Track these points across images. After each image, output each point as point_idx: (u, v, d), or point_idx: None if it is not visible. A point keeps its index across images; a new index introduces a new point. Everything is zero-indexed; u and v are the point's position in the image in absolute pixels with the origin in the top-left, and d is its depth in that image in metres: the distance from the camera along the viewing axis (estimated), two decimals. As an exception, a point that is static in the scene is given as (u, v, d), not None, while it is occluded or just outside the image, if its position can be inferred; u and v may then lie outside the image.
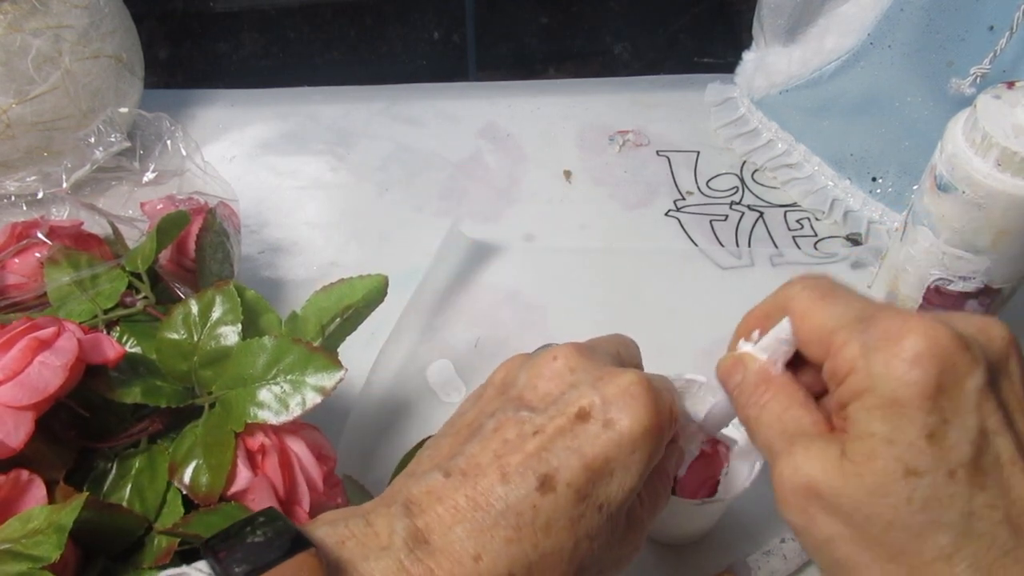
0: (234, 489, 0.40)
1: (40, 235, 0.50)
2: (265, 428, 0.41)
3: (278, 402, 0.40)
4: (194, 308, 0.44)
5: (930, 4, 0.58)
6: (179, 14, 0.86)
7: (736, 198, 0.69)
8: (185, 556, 0.38)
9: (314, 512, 0.41)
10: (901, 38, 0.60)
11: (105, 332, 0.45)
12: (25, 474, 0.37)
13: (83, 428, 0.41)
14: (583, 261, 0.64)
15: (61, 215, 0.59)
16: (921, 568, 0.28)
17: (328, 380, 0.40)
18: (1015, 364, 0.30)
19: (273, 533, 0.29)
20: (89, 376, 0.39)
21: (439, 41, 0.90)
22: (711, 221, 0.67)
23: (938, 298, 0.53)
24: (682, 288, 0.63)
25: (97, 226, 0.54)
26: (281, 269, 0.64)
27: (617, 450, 0.32)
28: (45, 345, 0.38)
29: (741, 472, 0.46)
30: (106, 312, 0.46)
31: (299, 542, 0.29)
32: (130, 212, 0.59)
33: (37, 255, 0.49)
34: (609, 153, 0.73)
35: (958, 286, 0.52)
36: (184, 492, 0.40)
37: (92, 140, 0.62)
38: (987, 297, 0.52)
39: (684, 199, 0.69)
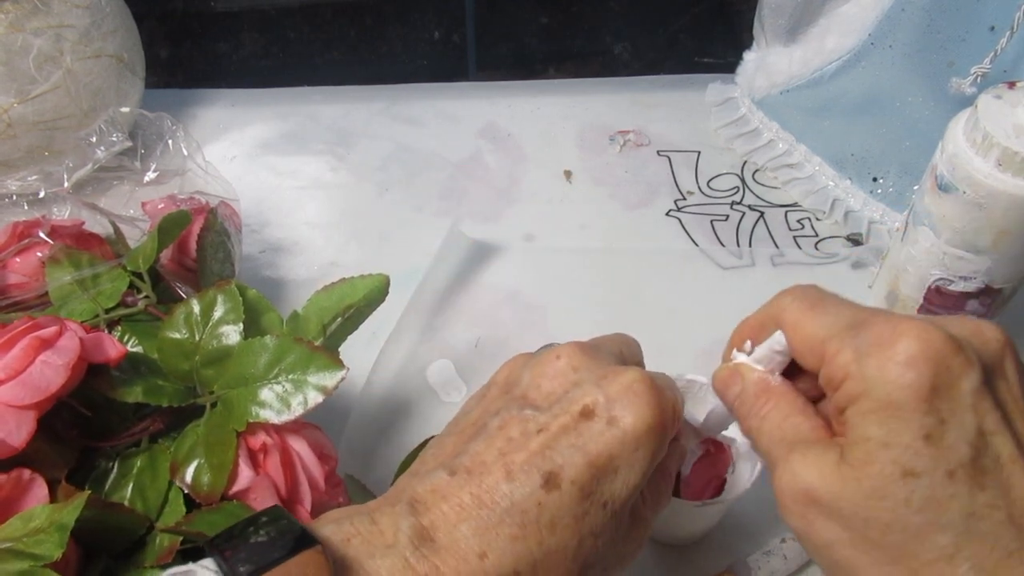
0: (236, 488, 0.40)
1: (42, 234, 0.50)
2: (267, 427, 0.41)
3: (280, 401, 0.40)
4: (196, 307, 0.44)
5: (931, 4, 0.58)
6: (179, 14, 0.86)
7: (737, 198, 0.69)
8: (187, 555, 0.38)
9: (316, 511, 0.41)
10: (902, 38, 0.60)
11: (107, 331, 0.45)
12: (27, 473, 0.37)
13: (85, 427, 0.41)
14: (583, 261, 0.64)
15: (62, 214, 0.60)
16: (921, 569, 0.28)
17: (330, 379, 0.40)
18: (1011, 365, 0.30)
19: (276, 532, 0.29)
20: (91, 375, 0.40)
21: (439, 41, 0.90)
22: (712, 221, 0.67)
23: (939, 298, 0.53)
24: (682, 288, 0.63)
25: (98, 225, 0.54)
26: (282, 269, 0.64)
27: (621, 448, 0.32)
28: (47, 344, 0.38)
29: (743, 473, 0.46)
30: (107, 311, 0.46)
31: (304, 540, 0.29)
32: (131, 211, 0.59)
33: (39, 254, 0.49)
34: (609, 153, 0.73)
35: (959, 286, 0.52)
36: (186, 491, 0.40)
37: (93, 140, 0.62)
38: (988, 297, 0.52)
39: (685, 199, 0.69)
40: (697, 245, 0.66)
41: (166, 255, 0.53)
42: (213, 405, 0.42)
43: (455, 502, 0.31)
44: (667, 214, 0.68)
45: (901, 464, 0.28)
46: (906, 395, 0.28)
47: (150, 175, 0.64)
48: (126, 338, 0.45)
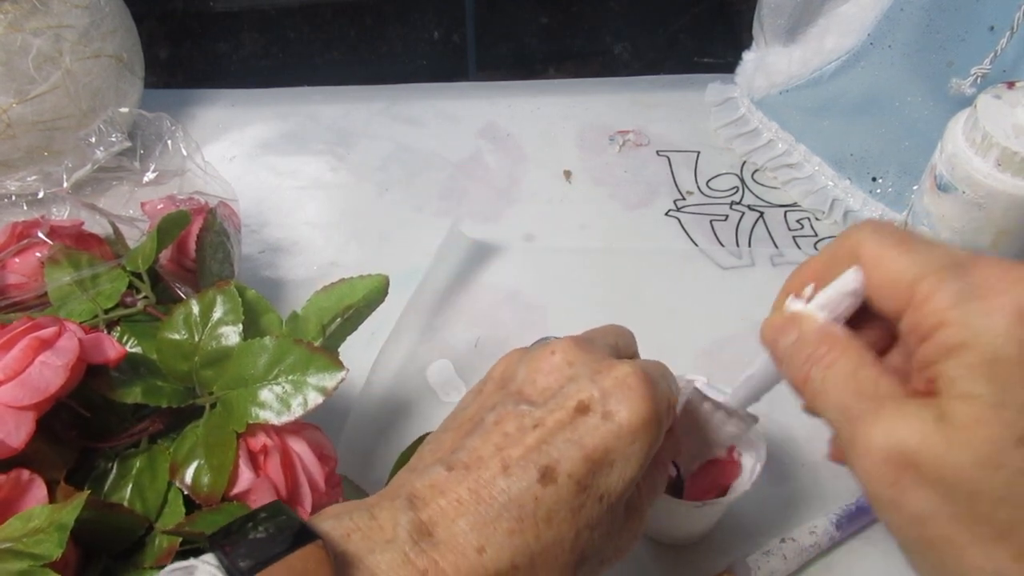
0: (236, 490, 0.40)
1: (41, 235, 0.50)
2: (267, 428, 0.41)
3: (279, 402, 0.40)
4: (195, 308, 0.44)
5: (930, 4, 0.58)
6: (179, 14, 0.86)
7: (736, 198, 0.69)
8: (186, 557, 0.38)
9: (316, 512, 0.41)
10: (901, 38, 0.60)
11: (106, 332, 0.45)
12: (26, 474, 0.37)
13: (84, 428, 0.41)
14: (583, 261, 0.64)
15: (62, 215, 0.60)
16: None
17: (330, 380, 0.40)
18: None
19: (275, 528, 0.30)
20: (90, 376, 0.40)
21: (439, 41, 0.90)
22: (711, 221, 0.67)
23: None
24: (682, 288, 0.63)
25: (98, 226, 0.54)
26: (281, 269, 0.64)
27: (617, 441, 0.33)
28: (46, 345, 0.38)
29: (743, 473, 0.46)
30: (107, 312, 0.46)
31: (303, 535, 0.29)
32: (131, 212, 0.59)
33: (38, 255, 0.49)
34: (609, 153, 0.73)
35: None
36: (186, 492, 0.40)
37: (93, 140, 0.62)
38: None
39: (684, 199, 0.69)
40: (697, 245, 0.66)
41: (165, 255, 0.53)
42: (213, 406, 0.42)
43: (453, 497, 0.32)
44: (667, 214, 0.68)
45: (1017, 429, 0.25)
46: (1021, 351, 0.25)
47: (149, 175, 0.64)
48: (125, 339, 0.45)
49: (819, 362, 0.30)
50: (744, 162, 0.72)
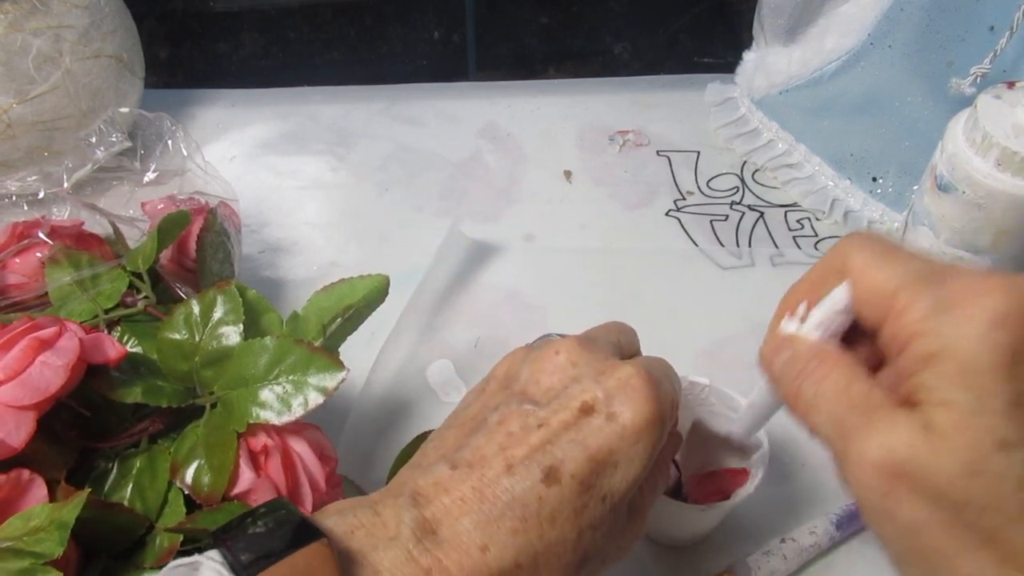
0: (237, 490, 0.40)
1: (41, 235, 0.50)
2: (267, 428, 0.41)
3: (280, 402, 0.40)
4: (195, 308, 0.44)
5: (930, 4, 0.58)
6: (179, 14, 0.86)
7: (736, 198, 0.69)
8: (188, 556, 0.38)
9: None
10: (901, 38, 0.60)
11: (106, 332, 0.45)
12: (26, 474, 0.37)
13: (84, 428, 0.41)
14: (583, 261, 0.64)
15: (62, 215, 0.60)
16: (1015, 556, 0.26)
17: (330, 380, 0.40)
18: None
19: (275, 523, 0.30)
20: (90, 376, 0.40)
21: (439, 41, 0.90)
22: (711, 221, 0.67)
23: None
24: (682, 288, 0.63)
25: (98, 226, 0.54)
26: (281, 269, 0.64)
27: (621, 442, 0.33)
28: (46, 345, 0.38)
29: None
30: (107, 312, 0.46)
31: (303, 530, 0.29)
32: (131, 212, 0.59)
33: (38, 255, 0.49)
34: (609, 153, 0.73)
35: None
36: (186, 492, 0.40)
37: (93, 140, 0.62)
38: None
39: (684, 199, 0.69)
40: (697, 245, 0.66)
41: (166, 255, 0.53)
42: (213, 406, 0.42)
43: (457, 495, 0.32)
44: (667, 214, 0.68)
45: (995, 434, 0.26)
46: (993, 357, 0.26)
47: (150, 175, 0.64)
48: (125, 339, 0.45)
49: (810, 376, 0.31)
50: (744, 162, 0.72)
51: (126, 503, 0.40)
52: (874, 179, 0.66)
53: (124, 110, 0.65)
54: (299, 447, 0.41)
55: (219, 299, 0.44)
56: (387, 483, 0.35)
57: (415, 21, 0.89)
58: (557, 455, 0.32)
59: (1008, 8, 0.53)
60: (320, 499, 0.41)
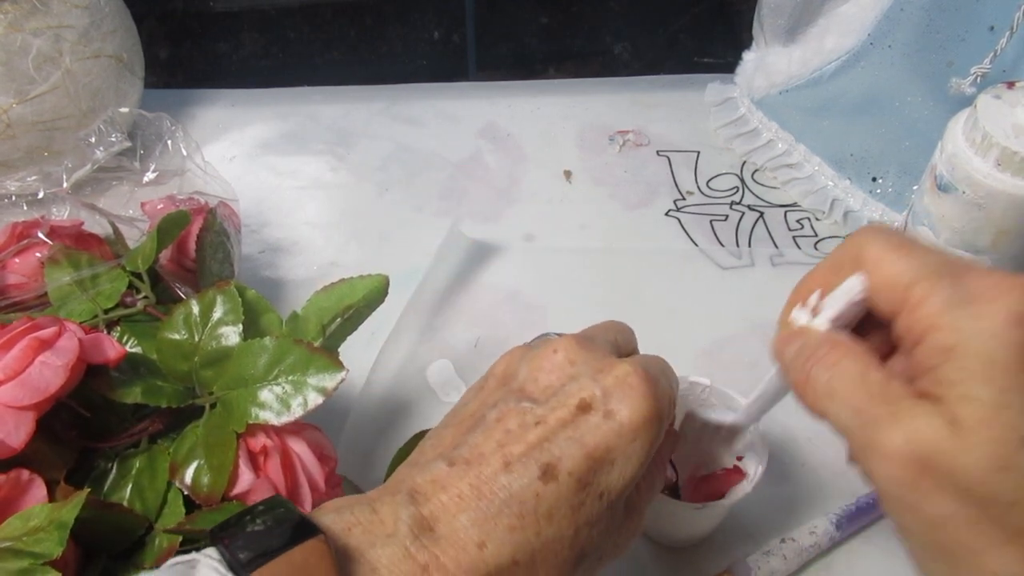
0: (237, 491, 0.40)
1: (41, 235, 0.50)
2: (267, 429, 0.41)
3: (279, 402, 0.40)
4: (195, 308, 0.44)
5: (930, 4, 0.58)
6: (179, 14, 0.86)
7: (736, 198, 0.69)
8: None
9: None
10: (901, 38, 0.60)
11: (106, 332, 0.45)
12: (26, 474, 0.37)
13: (84, 428, 0.41)
14: (583, 261, 0.64)
15: (62, 215, 0.60)
16: None
17: (329, 381, 0.40)
18: None
19: (274, 521, 0.30)
20: (90, 376, 0.40)
21: (439, 41, 0.90)
22: (711, 221, 0.67)
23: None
24: (682, 288, 0.63)
25: (98, 226, 0.54)
26: (281, 269, 0.64)
27: (618, 440, 0.33)
28: (46, 345, 0.38)
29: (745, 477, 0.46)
30: (107, 312, 0.46)
31: (302, 528, 0.29)
32: (131, 212, 0.59)
33: (38, 255, 0.49)
34: (609, 153, 0.73)
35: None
36: (186, 492, 0.40)
37: (93, 140, 0.62)
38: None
39: (684, 199, 0.69)
40: (697, 245, 0.66)
41: (165, 255, 0.53)
42: (212, 406, 0.42)
43: (454, 492, 0.32)
44: (667, 214, 0.68)
45: (1020, 430, 0.26)
46: (1011, 354, 0.26)
47: (149, 175, 0.64)
48: (125, 339, 0.45)
49: (822, 361, 0.31)
50: (744, 162, 0.72)
51: (125, 503, 0.40)
52: (874, 179, 0.66)
53: (124, 110, 0.65)
54: (298, 447, 0.41)
55: (219, 299, 0.44)
56: (386, 480, 0.35)
57: (415, 21, 0.89)
58: (555, 452, 0.32)
59: (1008, 8, 0.53)
60: (319, 499, 0.41)
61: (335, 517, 0.31)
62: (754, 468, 0.44)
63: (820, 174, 0.68)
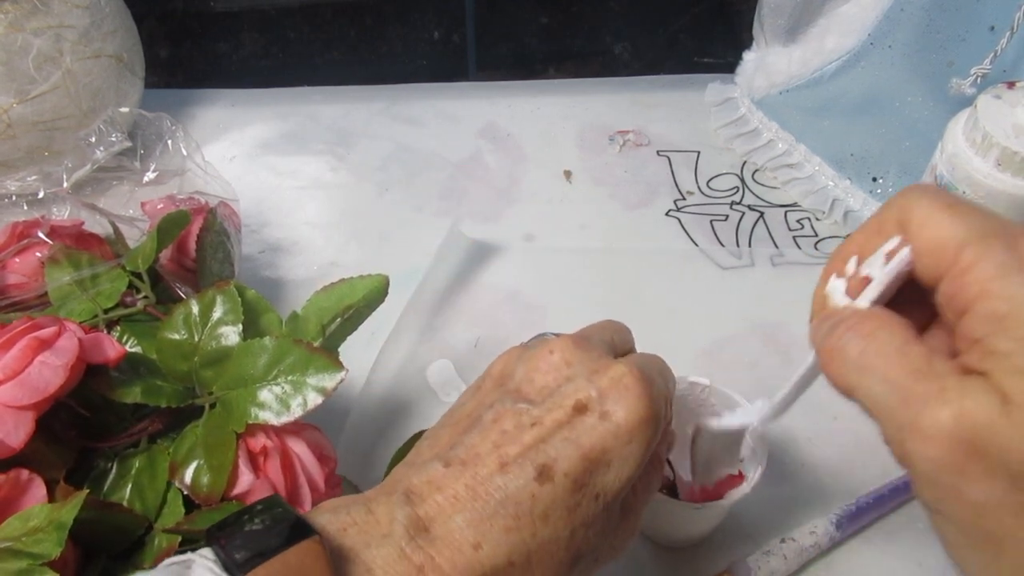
0: (236, 491, 0.40)
1: (41, 235, 0.50)
2: (266, 429, 0.41)
3: (279, 403, 0.40)
4: (195, 308, 0.44)
5: (930, 4, 0.58)
6: (179, 14, 0.86)
7: (736, 198, 0.69)
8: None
9: (314, 511, 0.41)
10: (901, 38, 0.60)
11: (106, 332, 0.45)
12: (25, 473, 0.37)
13: (83, 428, 0.41)
14: (583, 261, 0.64)
15: (62, 215, 0.60)
16: None
17: (329, 381, 0.40)
18: None
19: (271, 520, 0.30)
20: (90, 376, 0.40)
21: (439, 41, 0.90)
22: (711, 221, 0.67)
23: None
24: (682, 288, 0.63)
25: (98, 226, 0.54)
26: (281, 269, 0.64)
27: (614, 441, 0.33)
28: (46, 345, 0.38)
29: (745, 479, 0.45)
30: (106, 312, 0.46)
31: (298, 528, 0.29)
32: (131, 212, 0.59)
33: (38, 255, 0.49)
34: (609, 153, 0.73)
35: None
36: (185, 492, 0.40)
37: (93, 140, 0.62)
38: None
39: (684, 199, 0.69)
40: (697, 245, 0.65)
41: (165, 255, 0.53)
42: (212, 406, 0.42)
43: (450, 493, 0.32)
44: (667, 214, 0.68)
45: None
46: None
47: (149, 175, 0.64)
48: (125, 338, 0.45)
49: (855, 330, 0.28)
50: (744, 162, 0.72)
51: (125, 503, 0.40)
52: (874, 179, 0.66)
53: (124, 110, 0.65)
54: (298, 448, 0.41)
55: (218, 299, 0.44)
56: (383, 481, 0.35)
57: (415, 21, 0.89)
58: (550, 453, 0.32)
59: (1008, 8, 0.53)
60: (319, 500, 0.41)
61: (331, 517, 0.31)
62: (753, 470, 0.44)
63: (820, 174, 0.68)
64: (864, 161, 0.65)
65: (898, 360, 0.27)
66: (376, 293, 0.47)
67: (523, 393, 0.35)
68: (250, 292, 0.46)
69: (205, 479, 0.39)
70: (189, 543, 0.38)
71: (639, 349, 0.41)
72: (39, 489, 0.37)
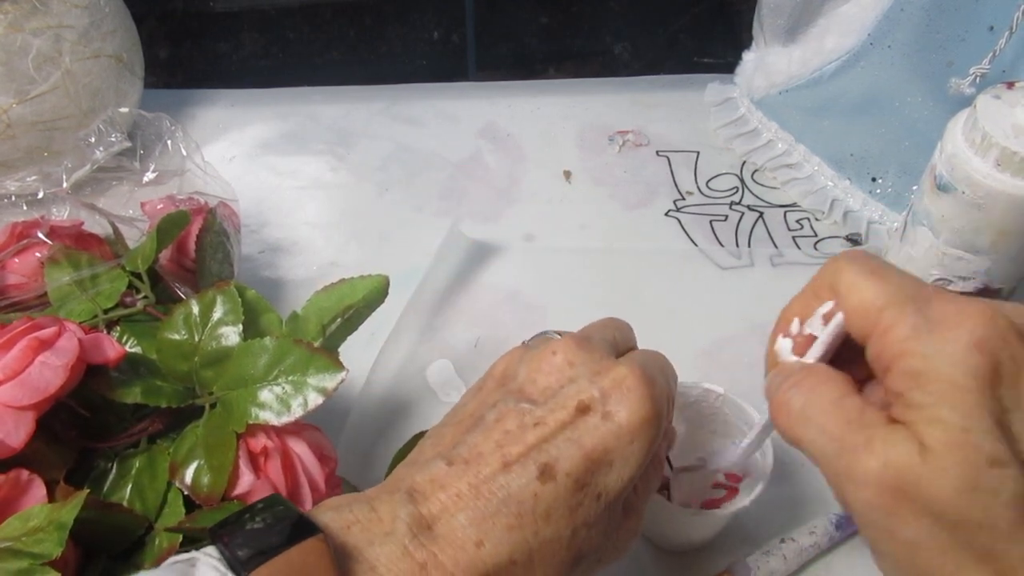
0: (237, 492, 0.40)
1: (40, 235, 0.50)
2: (267, 429, 0.41)
3: (279, 403, 0.40)
4: (195, 308, 0.44)
5: (930, 4, 0.58)
6: (179, 14, 0.86)
7: (736, 198, 0.69)
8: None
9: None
10: (901, 38, 0.60)
11: (105, 332, 0.45)
12: (25, 474, 0.37)
13: (83, 428, 0.41)
14: (583, 261, 0.64)
15: (61, 215, 0.60)
16: (1009, 573, 0.27)
17: (330, 381, 0.40)
18: None
19: (273, 519, 0.30)
20: (90, 376, 0.40)
21: (439, 41, 0.90)
22: (711, 221, 0.67)
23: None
24: (682, 288, 0.63)
25: (97, 226, 0.54)
26: (281, 269, 0.64)
27: (616, 441, 0.33)
28: (46, 345, 0.38)
29: (743, 489, 0.46)
30: (106, 312, 0.46)
31: (301, 526, 0.29)
32: (130, 212, 0.59)
33: (37, 255, 0.49)
34: (609, 153, 0.73)
35: (958, 286, 0.52)
36: (186, 492, 0.40)
37: (92, 140, 0.62)
38: (987, 297, 0.52)
39: (684, 199, 0.69)
40: (696, 245, 0.65)
41: (165, 255, 0.53)
42: (212, 406, 0.42)
43: (453, 492, 0.32)
44: (666, 214, 0.68)
45: (985, 451, 0.26)
46: (972, 380, 0.27)
47: (149, 175, 0.64)
48: (125, 339, 0.45)
49: (799, 385, 0.31)
50: (744, 162, 0.72)
51: (125, 503, 0.40)
52: (874, 179, 0.66)
53: (124, 110, 0.65)
54: (299, 448, 0.41)
55: (218, 299, 0.44)
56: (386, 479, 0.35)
57: (415, 21, 0.89)
58: (552, 453, 0.32)
59: (1008, 8, 0.53)
60: (320, 500, 0.41)
61: (334, 515, 0.31)
62: (755, 484, 0.44)
63: (820, 174, 0.68)
64: (864, 161, 0.66)
65: (834, 412, 0.30)
66: (376, 293, 0.47)
67: (526, 393, 0.35)
68: (250, 292, 0.46)
69: (205, 479, 0.39)
70: (190, 543, 0.38)
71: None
72: (39, 489, 0.37)
